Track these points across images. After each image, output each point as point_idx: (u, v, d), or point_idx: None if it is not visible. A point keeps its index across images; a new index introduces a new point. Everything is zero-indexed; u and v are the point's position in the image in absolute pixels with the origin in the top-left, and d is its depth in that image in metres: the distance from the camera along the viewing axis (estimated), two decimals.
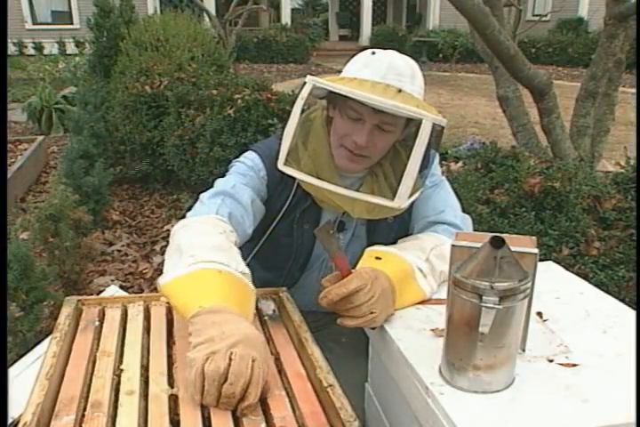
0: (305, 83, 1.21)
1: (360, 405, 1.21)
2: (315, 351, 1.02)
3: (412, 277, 1.11)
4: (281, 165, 1.24)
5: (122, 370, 0.98)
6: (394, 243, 1.29)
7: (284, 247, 1.37)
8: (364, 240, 1.37)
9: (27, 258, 1.98)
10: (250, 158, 1.37)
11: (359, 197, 1.23)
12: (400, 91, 1.16)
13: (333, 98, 1.25)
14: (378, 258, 1.12)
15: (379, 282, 1.03)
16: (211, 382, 0.83)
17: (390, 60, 1.20)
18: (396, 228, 1.37)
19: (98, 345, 1.05)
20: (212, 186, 1.34)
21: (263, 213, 1.35)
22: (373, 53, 1.22)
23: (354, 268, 1.08)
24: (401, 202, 1.20)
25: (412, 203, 1.37)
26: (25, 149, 4.96)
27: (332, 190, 1.23)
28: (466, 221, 1.39)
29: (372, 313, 1.00)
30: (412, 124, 1.23)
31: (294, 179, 1.29)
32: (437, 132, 1.23)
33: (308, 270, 1.41)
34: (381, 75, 1.18)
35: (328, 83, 1.18)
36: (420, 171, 1.22)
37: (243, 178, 1.32)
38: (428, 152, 1.22)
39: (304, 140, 1.29)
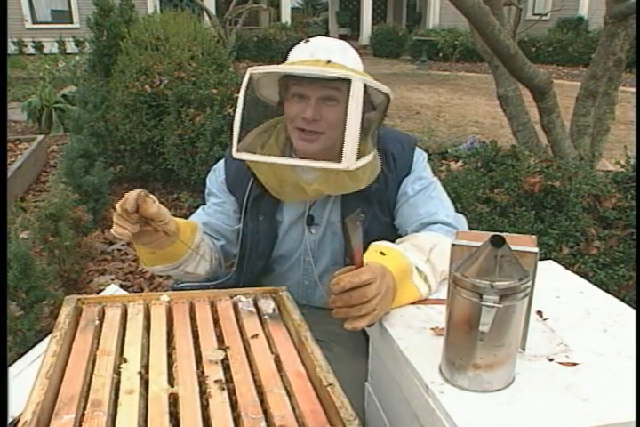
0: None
1: (360, 404, 1.21)
2: (315, 350, 1.02)
3: (410, 277, 1.11)
4: (235, 153, 1.26)
5: (122, 369, 0.98)
6: (364, 239, 1.31)
7: (244, 238, 1.43)
8: (342, 237, 1.38)
9: (27, 257, 1.98)
10: (213, 171, 1.49)
11: (303, 163, 1.24)
12: (329, 62, 1.22)
13: (283, 87, 1.30)
14: (382, 253, 1.11)
15: (385, 280, 1.01)
16: None
17: (319, 40, 1.29)
18: (367, 224, 1.33)
19: (98, 344, 1.05)
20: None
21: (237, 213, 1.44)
22: (307, 41, 1.30)
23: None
24: (349, 163, 1.17)
25: (395, 205, 1.39)
26: (25, 149, 4.96)
27: (273, 162, 1.25)
28: (459, 220, 1.38)
29: (375, 310, 0.99)
30: None
31: (250, 173, 1.34)
32: (382, 100, 1.27)
33: (282, 265, 1.45)
34: (310, 53, 1.25)
35: (258, 67, 1.25)
36: (368, 133, 1.25)
37: (207, 204, 1.47)
38: (373, 116, 1.26)
39: (266, 128, 1.35)
